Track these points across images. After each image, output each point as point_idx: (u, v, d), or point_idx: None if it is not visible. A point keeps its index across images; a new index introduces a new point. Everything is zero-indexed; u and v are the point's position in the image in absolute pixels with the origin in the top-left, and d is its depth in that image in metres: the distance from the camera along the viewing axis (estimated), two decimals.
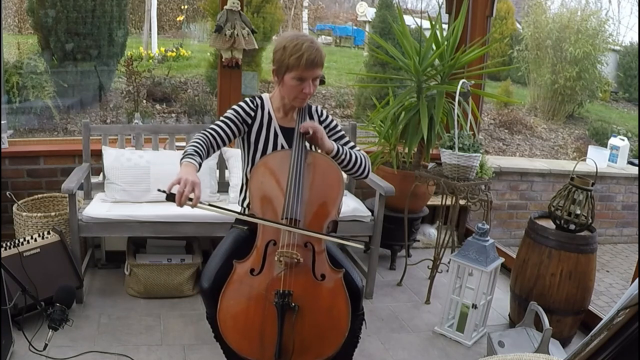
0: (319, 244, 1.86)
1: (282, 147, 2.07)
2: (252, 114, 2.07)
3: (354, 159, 2.06)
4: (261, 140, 2.07)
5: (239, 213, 2.01)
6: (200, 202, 1.72)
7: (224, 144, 2.03)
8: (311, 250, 1.84)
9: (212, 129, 2.01)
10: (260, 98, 2.12)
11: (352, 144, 2.16)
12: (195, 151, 1.87)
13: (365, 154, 2.13)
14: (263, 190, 1.94)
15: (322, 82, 2.07)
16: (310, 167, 1.96)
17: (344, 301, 1.80)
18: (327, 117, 2.17)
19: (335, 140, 2.10)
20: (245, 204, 2.12)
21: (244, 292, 1.80)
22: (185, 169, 1.77)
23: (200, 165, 1.84)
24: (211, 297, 1.87)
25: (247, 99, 2.10)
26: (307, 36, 1.97)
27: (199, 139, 1.94)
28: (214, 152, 2.02)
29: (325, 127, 2.12)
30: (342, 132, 2.17)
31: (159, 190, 1.72)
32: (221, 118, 2.04)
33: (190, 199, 1.70)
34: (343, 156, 2.03)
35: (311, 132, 1.93)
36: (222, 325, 1.79)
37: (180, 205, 1.69)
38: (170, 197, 1.69)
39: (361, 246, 1.85)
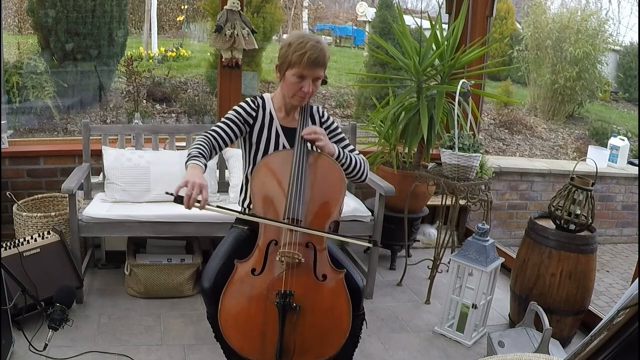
0: (320, 243, 1.86)
1: (284, 147, 2.06)
2: (254, 114, 2.07)
3: (354, 163, 2.06)
4: (262, 140, 2.06)
5: (245, 214, 2.01)
6: (208, 204, 1.73)
7: (226, 145, 2.04)
8: (312, 250, 1.84)
9: (214, 130, 2.01)
10: (262, 98, 2.12)
11: (351, 147, 2.16)
12: (200, 153, 1.88)
13: (363, 157, 2.13)
14: (265, 191, 1.94)
15: (324, 82, 2.06)
16: (312, 167, 1.95)
17: (345, 301, 1.80)
18: (328, 118, 2.16)
19: (335, 143, 2.10)
20: (245, 204, 2.12)
21: (245, 292, 1.80)
22: (191, 171, 1.78)
23: (205, 166, 1.86)
24: (212, 296, 1.87)
25: (248, 99, 2.10)
26: (315, 37, 1.96)
27: (202, 141, 1.95)
28: (217, 153, 2.03)
29: (325, 129, 2.12)
30: (342, 135, 2.16)
31: (167, 193, 1.73)
32: (222, 119, 2.05)
33: (198, 201, 1.70)
34: (343, 160, 2.03)
35: (316, 142, 1.94)
36: (224, 325, 1.79)
37: (189, 207, 1.70)
38: (178, 200, 1.70)
39: (367, 244, 1.84)
